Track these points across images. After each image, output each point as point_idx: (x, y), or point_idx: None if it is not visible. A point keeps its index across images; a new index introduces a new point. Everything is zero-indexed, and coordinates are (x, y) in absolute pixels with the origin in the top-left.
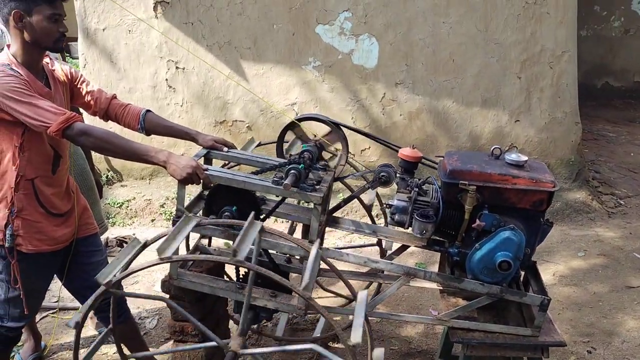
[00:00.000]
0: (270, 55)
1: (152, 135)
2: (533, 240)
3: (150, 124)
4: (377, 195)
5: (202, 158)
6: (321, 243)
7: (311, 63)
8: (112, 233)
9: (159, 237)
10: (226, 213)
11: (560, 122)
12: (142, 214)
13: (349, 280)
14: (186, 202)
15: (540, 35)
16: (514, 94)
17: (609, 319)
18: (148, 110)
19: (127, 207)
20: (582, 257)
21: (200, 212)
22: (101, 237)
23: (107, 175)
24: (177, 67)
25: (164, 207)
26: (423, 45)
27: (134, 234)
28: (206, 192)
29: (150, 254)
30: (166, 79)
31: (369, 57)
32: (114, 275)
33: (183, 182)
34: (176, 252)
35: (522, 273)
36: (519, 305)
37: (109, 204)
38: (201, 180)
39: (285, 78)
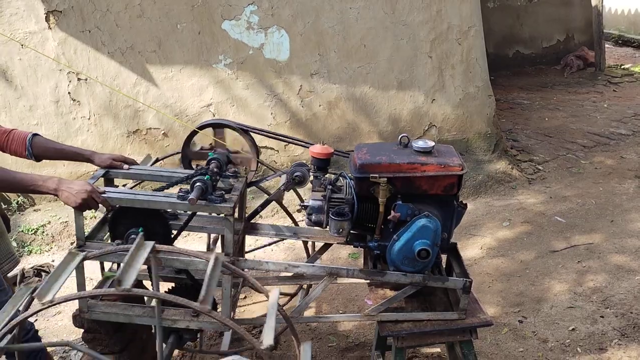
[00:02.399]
0: (178, 57)
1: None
2: (449, 224)
3: (39, 149)
4: (298, 194)
5: (102, 179)
6: (242, 252)
7: (222, 61)
8: (29, 262)
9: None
10: (132, 236)
11: (474, 96)
12: (59, 237)
13: (277, 285)
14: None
15: (446, 12)
16: (427, 74)
17: (536, 285)
18: (35, 134)
19: (43, 232)
20: (507, 227)
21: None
22: (14, 269)
23: (17, 201)
24: (79, 79)
25: None
26: (333, 32)
27: (53, 261)
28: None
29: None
30: (69, 92)
31: (280, 49)
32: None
33: (79, 208)
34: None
35: (445, 257)
36: (444, 290)
37: (22, 231)
38: (99, 205)
39: (197, 79)
